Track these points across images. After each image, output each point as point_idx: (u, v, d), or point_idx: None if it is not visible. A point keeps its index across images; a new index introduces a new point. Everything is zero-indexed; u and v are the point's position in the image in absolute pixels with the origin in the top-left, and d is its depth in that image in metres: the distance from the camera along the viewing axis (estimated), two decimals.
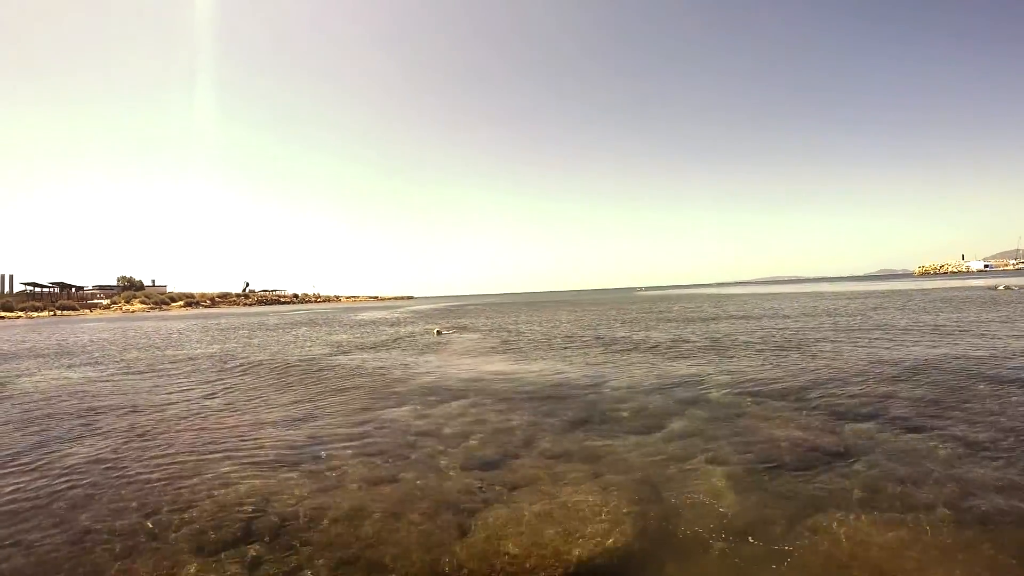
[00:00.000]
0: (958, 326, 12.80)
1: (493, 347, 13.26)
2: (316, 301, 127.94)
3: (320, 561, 2.85)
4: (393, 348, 13.93)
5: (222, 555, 2.94)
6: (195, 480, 4.10)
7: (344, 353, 13.15)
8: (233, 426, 5.86)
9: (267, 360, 12.07)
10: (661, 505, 3.39)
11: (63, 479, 4.25)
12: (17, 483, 4.21)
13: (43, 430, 6.01)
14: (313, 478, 4.05)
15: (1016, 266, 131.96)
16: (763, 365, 8.49)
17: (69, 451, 5.08)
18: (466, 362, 10.62)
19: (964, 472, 3.68)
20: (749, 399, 6.14)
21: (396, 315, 37.13)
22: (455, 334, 17.87)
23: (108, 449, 5.09)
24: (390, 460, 4.44)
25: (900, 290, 39.71)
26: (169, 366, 11.68)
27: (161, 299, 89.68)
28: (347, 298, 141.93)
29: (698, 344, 11.76)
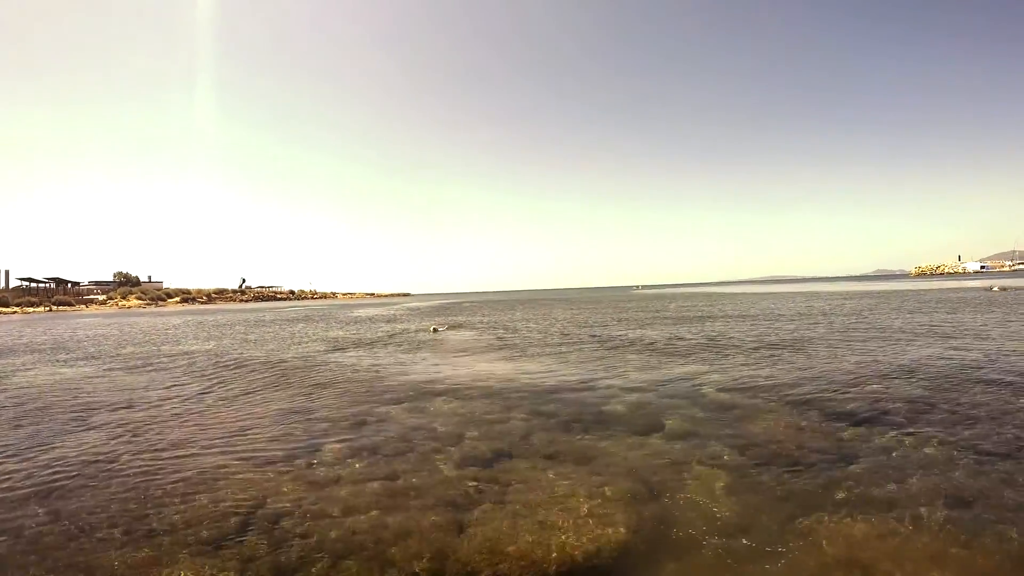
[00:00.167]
0: (953, 327, 12.84)
1: (489, 344, 13.25)
2: (312, 298, 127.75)
3: (316, 557, 2.84)
4: (389, 345, 13.90)
5: (216, 550, 2.93)
6: (189, 475, 4.09)
7: (340, 349, 13.12)
8: (227, 422, 5.84)
9: (262, 356, 12.04)
10: (656, 505, 3.39)
11: (57, 473, 4.23)
12: (11, 477, 4.19)
13: (37, 424, 5.97)
14: (308, 475, 4.04)
15: (1012, 268, 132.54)
16: (758, 365, 8.50)
17: (63, 446, 5.05)
18: (462, 360, 10.60)
19: (959, 474, 3.69)
20: (743, 399, 6.15)
21: (392, 312, 37.09)
22: (451, 331, 17.85)
23: (102, 444, 5.07)
24: (385, 457, 4.43)
25: (896, 290, 39.85)
26: (164, 362, 11.63)
27: (157, 295, 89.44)
28: (344, 295, 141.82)
29: (693, 343, 11.77)
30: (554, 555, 2.81)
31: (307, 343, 15.25)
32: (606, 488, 3.61)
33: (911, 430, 4.71)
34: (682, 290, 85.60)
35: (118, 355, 13.44)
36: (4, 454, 4.90)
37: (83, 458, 4.67)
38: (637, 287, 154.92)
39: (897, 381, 6.75)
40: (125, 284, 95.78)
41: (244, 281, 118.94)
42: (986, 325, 12.91)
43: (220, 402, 7.06)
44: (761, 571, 2.64)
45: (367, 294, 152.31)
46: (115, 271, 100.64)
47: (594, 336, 14.30)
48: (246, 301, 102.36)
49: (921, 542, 2.81)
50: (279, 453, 4.64)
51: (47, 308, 68.34)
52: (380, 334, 17.70)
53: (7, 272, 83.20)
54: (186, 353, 13.39)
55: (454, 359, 10.74)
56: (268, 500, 3.58)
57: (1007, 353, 8.59)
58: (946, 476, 3.64)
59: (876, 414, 5.28)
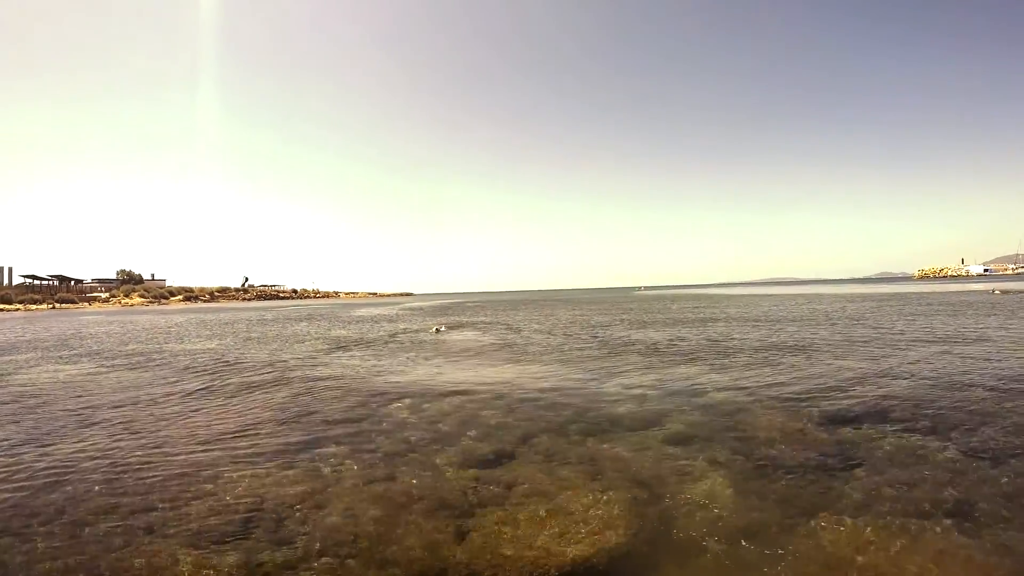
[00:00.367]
0: (955, 330, 12.80)
1: (491, 345, 13.26)
2: (315, 297, 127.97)
3: (317, 556, 2.85)
4: (391, 344, 13.92)
5: (218, 550, 2.94)
6: (190, 473, 4.10)
7: (342, 348, 13.14)
8: (229, 420, 5.85)
9: (264, 355, 12.06)
10: (657, 507, 3.38)
11: (58, 470, 4.25)
12: (13, 475, 4.20)
13: (37, 421, 5.99)
14: (309, 474, 4.04)
15: (1015, 270, 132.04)
16: (760, 367, 8.48)
17: (64, 442, 5.07)
18: (464, 360, 10.61)
19: (962, 477, 3.68)
20: (745, 401, 6.14)
21: (395, 312, 37.11)
22: (454, 331, 17.85)
23: (103, 441, 5.08)
24: (386, 457, 4.43)
25: (898, 293, 39.76)
26: (167, 360, 11.66)
27: (160, 293, 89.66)
28: (346, 294, 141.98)
29: (695, 345, 11.76)
30: (555, 557, 2.81)
31: (309, 342, 15.27)
32: (607, 490, 3.60)
33: (913, 433, 4.69)
34: (684, 291, 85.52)
35: (120, 352, 13.47)
36: (4, 451, 4.92)
37: (84, 455, 4.68)
38: (639, 288, 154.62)
39: (899, 384, 6.73)
40: (128, 282, 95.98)
41: (247, 280, 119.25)
42: (987, 328, 12.87)
43: (222, 400, 7.07)
44: (763, 574, 2.64)
45: (369, 293, 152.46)
46: (118, 269, 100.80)
47: (596, 337, 14.29)
48: (249, 300, 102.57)
49: (923, 545, 2.80)
50: (280, 452, 4.65)
51: (50, 305, 68.56)
52: (382, 334, 17.71)
53: (10, 269, 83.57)
54: (188, 351, 13.42)
55: (456, 359, 10.75)
56: (269, 499, 3.59)
57: (1007, 356, 8.57)
58: (948, 479, 3.63)
59: (878, 417, 5.27)
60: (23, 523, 3.33)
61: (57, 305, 69.37)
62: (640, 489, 3.63)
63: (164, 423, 5.86)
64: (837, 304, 27.18)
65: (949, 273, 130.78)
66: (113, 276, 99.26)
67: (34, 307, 65.49)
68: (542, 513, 3.28)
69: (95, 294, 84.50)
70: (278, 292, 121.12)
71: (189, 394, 7.58)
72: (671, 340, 12.83)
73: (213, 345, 14.99)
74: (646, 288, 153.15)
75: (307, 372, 9.33)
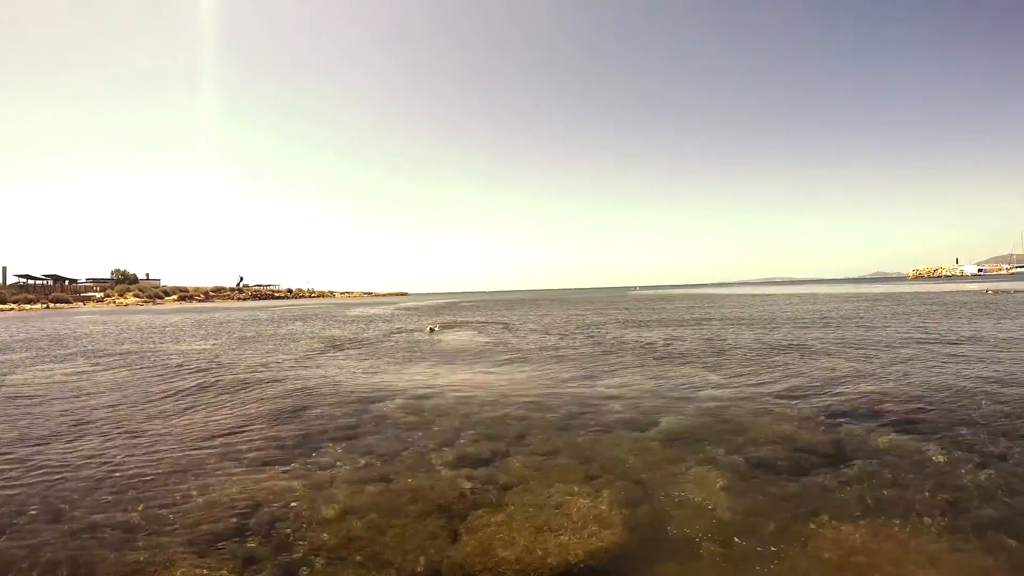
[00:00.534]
0: (948, 329, 12.87)
1: (486, 345, 13.24)
2: (310, 296, 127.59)
3: (313, 558, 2.83)
4: (385, 344, 13.89)
5: (214, 552, 2.92)
6: (185, 474, 4.07)
7: (336, 348, 13.10)
8: (224, 420, 5.82)
9: (259, 355, 12.01)
10: (652, 506, 3.38)
11: (53, 473, 4.21)
12: (8, 476, 4.16)
13: (31, 421, 5.95)
14: (304, 475, 4.03)
15: (1010, 271, 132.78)
16: (755, 366, 8.50)
17: (58, 445, 5.03)
18: (458, 360, 10.59)
19: (958, 478, 3.69)
20: (741, 400, 6.15)
21: (390, 311, 37.05)
22: (448, 331, 17.83)
23: (97, 442, 5.05)
24: (380, 457, 4.42)
25: (893, 293, 39.95)
26: (161, 360, 11.60)
27: (155, 293, 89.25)
28: (341, 294, 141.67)
29: (691, 345, 11.78)
30: (550, 557, 2.81)
31: (304, 341, 15.22)
32: (603, 489, 3.60)
33: (907, 432, 4.71)
34: (680, 291, 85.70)
35: (114, 352, 13.39)
36: (1, 454, 4.88)
37: (78, 456, 4.64)
38: (635, 288, 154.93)
39: (894, 384, 6.75)
40: (123, 282, 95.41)
41: (242, 279, 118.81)
42: (981, 327, 12.94)
43: (216, 400, 7.04)
44: (758, 573, 2.64)
45: (364, 293, 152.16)
46: (113, 268, 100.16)
47: (591, 337, 14.30)
48: (244, 299, 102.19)
49: (919, 545, 2.81)
50: (275, 453, 4.62)
51: (44, 305, 68.13)
52: (377, 333, 17.68)
53: (4, 269, 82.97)
54: (183, 351, 13.35)
55: (451, 359, 10.73)
56: (264, 500, 3.57)
57: (1001, 356, 8.61)
58: (944, 479, 3.64)
59: (872, 416, 5.28)
60: (16, 523, 3.30)
61: (51, 305, 68.94)
62: (635, 488, 3.63)
63: (158, 424, 5.82)
64: (832, 304, 27.28)
65: (944, 273, 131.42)
66: (107, 276, 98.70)
67: (28, 307, 65.09)
68: (538, 512, 3.27)
69: (89, 294, 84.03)
70: (273, 292, 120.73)
71: (183, 394, 7.54)
72: (667, 340, 12.85)
73: (208, 345, 14.93)
74: (641, 288, 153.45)
75: (301, 372, 9.29)
